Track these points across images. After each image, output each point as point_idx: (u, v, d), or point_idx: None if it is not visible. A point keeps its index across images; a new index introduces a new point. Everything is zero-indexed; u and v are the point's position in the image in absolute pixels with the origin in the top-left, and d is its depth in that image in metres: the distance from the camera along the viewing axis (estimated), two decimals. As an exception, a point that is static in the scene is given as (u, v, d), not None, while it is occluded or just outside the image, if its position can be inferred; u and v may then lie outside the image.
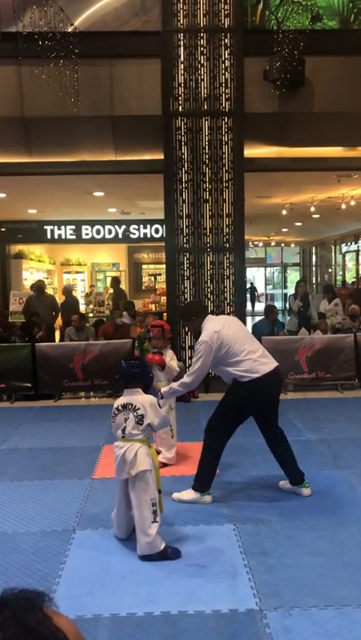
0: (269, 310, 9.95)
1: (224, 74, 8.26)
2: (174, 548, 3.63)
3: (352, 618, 2.90)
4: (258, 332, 9.51)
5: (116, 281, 15.16)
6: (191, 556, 3.58)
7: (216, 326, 4.32)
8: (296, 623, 2.87)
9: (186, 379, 4.39)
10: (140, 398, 3.72)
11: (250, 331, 9.83)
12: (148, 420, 3.66)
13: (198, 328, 4.41)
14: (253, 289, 25.72)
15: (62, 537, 3.90)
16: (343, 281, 21.83)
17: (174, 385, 4.48)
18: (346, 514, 4.19)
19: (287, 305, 14.45)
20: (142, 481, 3.59)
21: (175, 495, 4.44)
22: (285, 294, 24.04)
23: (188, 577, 3.34)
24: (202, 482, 4.44)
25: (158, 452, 4.92)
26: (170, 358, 5.23)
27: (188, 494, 4.44)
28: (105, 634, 2.82)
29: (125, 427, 3.67)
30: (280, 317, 13.76)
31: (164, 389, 4.48)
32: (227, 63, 8.25)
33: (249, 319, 15.47)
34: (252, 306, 21.93)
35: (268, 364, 4.33)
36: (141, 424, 3.65)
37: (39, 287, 10.98)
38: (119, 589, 3.23)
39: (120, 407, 3.73)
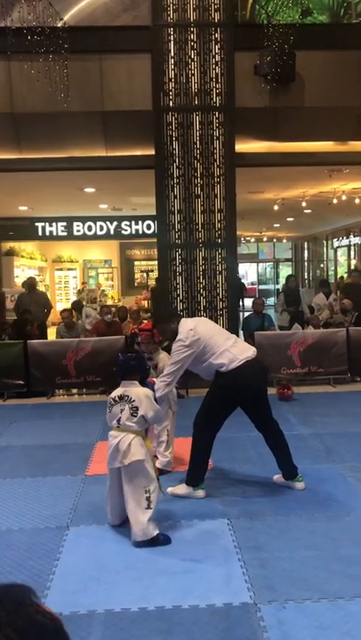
0: (254, 302, 10.01)
1: (215, 68, 8.23)
2: (165, 534, 3.70)
3: (346, 610, 2.92)
4: (249, 326, 9.52)
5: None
6: (185, 551, 3.59)
7: (190, 325, 4.47)
8: (290, 616, 2.88)
9: (160, 382, 4.42)
10: (135, 390, 3.78)
11: (240, 326, 9.91)
12: (142, 411, 3.71)
13: (175, 331, 4.49)
14: (242, 285, 25.49)
15: (56, 533, 3.89)
16: (335, 275, 21.89)
17: (157, 389, 4.41)
18: (339, 507, 4.21)
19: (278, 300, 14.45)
20: (136, 470, 3.65)
21: (169, 489, 4.45)
22: (278, 290, 24.04)
23: (182, 572, 3.35)
24: (194, 476, 4.46)
25: (156, 457, 4.91)
26: (162, 363, 5.11)
27: (182, 489, 4.45)
28: (99, 629, 2.82)
29: (120, 417, 3.73)
30: (272, 313, 13.78)
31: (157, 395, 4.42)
32: (217, 58, 8.22)
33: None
34: (242, 302, 21.80)
35: (246, 351, 4.44)
36: (135, 416, 3.71)
37: (31, 284, 10.93)
38: (113, 585, 3.23)
39: (117, 398, 3.80)
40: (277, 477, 4.64)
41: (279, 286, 24.17)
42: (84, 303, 14.34)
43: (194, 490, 4.43)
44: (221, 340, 4.42)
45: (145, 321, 8.90)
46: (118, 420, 3.75)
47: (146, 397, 3.77)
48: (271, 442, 4.57)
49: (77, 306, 11.65)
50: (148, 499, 3.63)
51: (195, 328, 4.41)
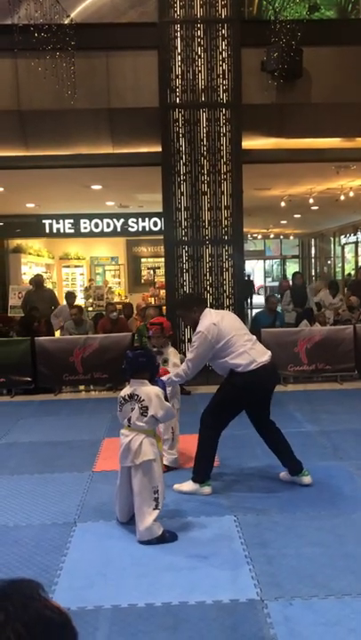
0: (267, 300, 9.97)
1: (221, 65, 8.21)
2: (171, 532, 3.71)
3: (352, 607, 2.92)
4: (259, 323, 9.49)
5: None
6: (192, 547, 3.60)
7: (214, 319, 4.36)
8: (297, 613, 2.88)
9: (182, 370, 4.41)
10: (145, 389, 3.77)
11: (250, 322, 9.89)
12: (152, 411, 3.71)
13: (196, 320, 4.41)
14: (250, 282, 25.36)
15: (63, 529, 3.91)
16: (342, 272, 21.82)
17: (172, 375, 4.48)
18: (346, 504, 4.20)
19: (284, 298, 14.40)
20: (146, 470, 3.67)
21: (175, 486, 4.46)
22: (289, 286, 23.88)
23: (189, 568, 3.36)
24: (200, 473, 4.46)
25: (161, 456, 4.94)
26: (173, 356, 5.12)
27: (188, 485, 4.45)
28: (106, 625, 2.83)
29: (131, 416, 3.75)
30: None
31: (163, 377, 4.44)
32: (224, 54, 8.20)
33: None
34: (250, 299, 21.68)
35: (263, 355, 4.38)
36: (145, 415, 3.71)
37: (37, 281, 10.96)
38: (120, 581, 3.24)
39: (126, 397, 3.80)
40: (284, 474, 4.64)
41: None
42: (86, 303, 14.26)
43: (200, 487, 4.43)
44: (242, 341, 4.32)
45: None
46: (129, 420, 3.76)
47: (156, 397, 3.75)
48: (271, 441, 4.57)
49: (70, 297, 11.35)
50: (155, 499, 3.65)
51: (218, 323, 4.30)
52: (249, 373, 4.25)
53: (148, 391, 3.76)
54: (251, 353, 4.29)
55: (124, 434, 3.78)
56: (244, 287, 12.99)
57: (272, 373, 4.50)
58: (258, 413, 4.54)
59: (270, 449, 4.60)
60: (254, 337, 4.55)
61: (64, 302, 10.98)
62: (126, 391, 3.84)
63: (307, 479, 4.52)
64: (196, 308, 4.50)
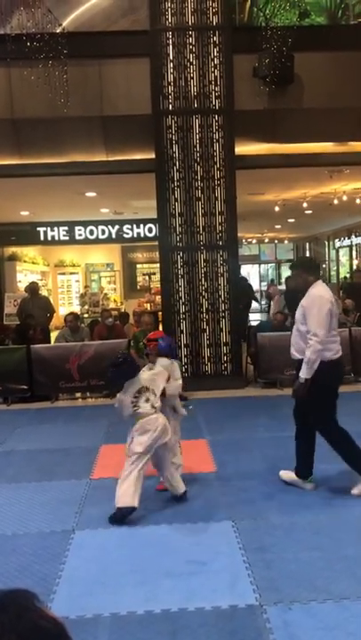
0: (275, 315, 9.97)
1: (213, 71, 8.26)
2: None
3: (351, 611, 2.92)
4: (263, 332, 9.43)
5: None
6: (190, 553, 3.60)
7: (328, 291, 4.46)
8: (296, 617, 2.88)
9: (314, 342, 4.24)
10: (142, 379, 4.19)
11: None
12: (161, 386, 4.22)
13: (308, 284, 4.46)
14: (250, 285, 25.07)
15: (61, 538, 3.90)
16: (337, 276, 21.89)
17: (306, 357, 4.28)
18: (343, 508, 4.21)
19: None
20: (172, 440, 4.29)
21: (355, 492, 4.42)
22: (280, 291, 23.78)
23: (188, 574, 3.35)
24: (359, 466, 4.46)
25: None
26: (175, 378, 4.65)
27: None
28: (106, 633, 2.83)
29: (152, 403, 4.14)
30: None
31: (306, 366, 4.29)
32: (216, 61, 8.25)
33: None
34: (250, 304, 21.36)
35: (339, 351, 4.51)
36: (156, 395, 4.18)
37: (33, 289, 10.96)
38: (119, 588, 3.24)
39: (136, 394, 4.13)
40: (284, 473, 4.64)
41: (282, 287, 24.03)
42: (82, 310, 14.24)
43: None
44: (334, 331, 4.45)
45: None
46: (153, 406, 4.12)
47: (159, 374, 4.27)
48: (303, 438, 4.61)
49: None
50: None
51: (332, 301, 4.40)
52: (331, 362, 4.38)
53: (145, 377, 4.20)
54: (334, 345, 4.43)
55: (153, 418, 4.08)
56: (245, 291, 12.98)
57: (343, 369, 4.69)
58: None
59: (297, 447, 4.61)
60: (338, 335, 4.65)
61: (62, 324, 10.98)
62: (131, 392, 4.11)
63: (309, 486, 4.54)
64: (313, 274, 4.56)
